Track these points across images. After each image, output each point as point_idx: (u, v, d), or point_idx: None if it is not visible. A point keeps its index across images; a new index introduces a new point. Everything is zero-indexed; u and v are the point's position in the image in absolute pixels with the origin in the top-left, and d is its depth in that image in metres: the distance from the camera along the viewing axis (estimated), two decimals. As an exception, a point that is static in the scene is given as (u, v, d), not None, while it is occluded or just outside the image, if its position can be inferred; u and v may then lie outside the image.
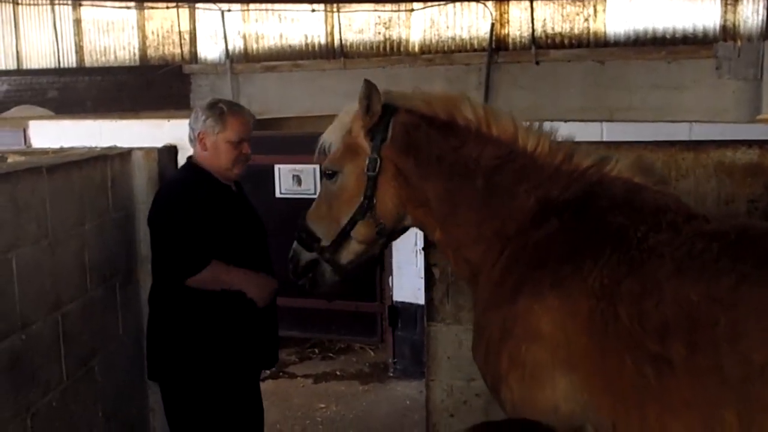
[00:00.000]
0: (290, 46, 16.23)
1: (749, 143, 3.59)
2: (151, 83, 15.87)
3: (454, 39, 14.83)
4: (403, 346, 6.70)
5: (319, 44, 16.01)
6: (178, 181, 3.84)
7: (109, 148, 4.44)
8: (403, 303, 6.60)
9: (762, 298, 2.08)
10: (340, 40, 15.66)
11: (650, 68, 10.51)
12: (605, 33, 12.21)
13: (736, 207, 3.50)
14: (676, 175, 3.56)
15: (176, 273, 3.61)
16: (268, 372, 6.64)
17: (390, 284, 6.72)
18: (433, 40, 15.07)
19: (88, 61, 16.51)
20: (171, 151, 4.44)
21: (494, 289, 2.72)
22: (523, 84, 11.90)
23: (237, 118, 3.68)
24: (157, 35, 17.09)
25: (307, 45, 16.13)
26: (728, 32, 11.17)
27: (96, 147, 4.54)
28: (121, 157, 4.27)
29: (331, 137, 3.05)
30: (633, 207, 2.53)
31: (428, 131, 2.87)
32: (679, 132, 5.26)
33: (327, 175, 3.03)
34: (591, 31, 12.34)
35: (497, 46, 13.80)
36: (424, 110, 2.89)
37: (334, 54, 15.70)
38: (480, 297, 2.84)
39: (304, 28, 16.14)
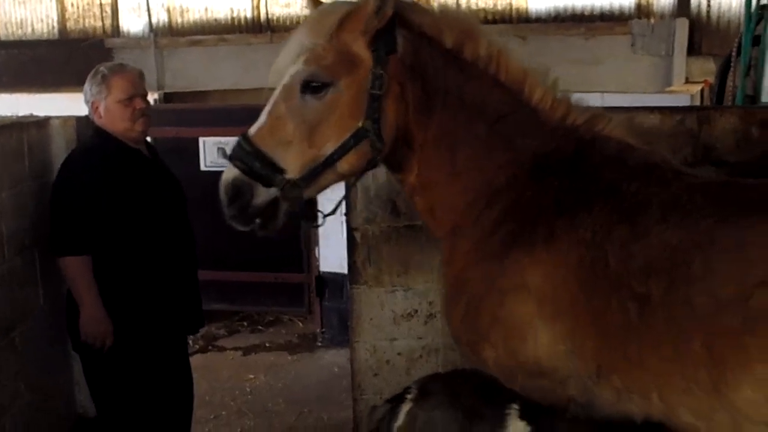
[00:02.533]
0: (216, 20, 15.92)
1: (651, 109, 3.80)
2: (72, 58, 15.35)
3: (381, 14, 14.79)
4: (331, 316, 6.80)
5: (246, 18, 15.75)
6: (83, 150, 3.82)
7: (26, 116, 4.36)
8: (329, 273, 6.68)
9: (734, 239, 2.18)
10: (267, 14, 15.46)
11: (569, 44, 10.80)
12: (527, 9, 12.43)
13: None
14: (585, 139, 3.73)
15: (51, 245, 3.64)
16: (197, 347, 6.68)
17: (317, 255, 6.78)
18: (361, 16, 15.00)
19: (4, 34, 15.85)
20: (89, 119, 4.39)
21: (479, 244, 2.58)
22: (448, 59, 12.08)
23: (120, 77, 3.66)
24: (77, 7, 16.51)
25: (233, 19, 15.85)
26: (643, 10, 11.55)
27: (12, 116, 4.45)
28: (38, 125, 4.21)
29: (306, 41, 2.49)
30: (625, 164, 2.53)
31: (434, 55, 2.53)
32: (592, 101, 5.45)
33: (311, 87, 2.45)
34: (513, 8, 12.54)
35: (423, 21, 13.86)
36: (428, 29, 2.53)
37: (260, 28, 15.46)
38: (458, 252, 2.66)
39: (230, 1, 15.84)
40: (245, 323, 7.43)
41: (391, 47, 2.46)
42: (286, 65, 2.49)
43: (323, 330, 6.85)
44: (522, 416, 2.16)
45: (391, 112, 2.49)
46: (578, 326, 2.35)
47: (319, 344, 6.81)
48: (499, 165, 2.58)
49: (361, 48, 2.45)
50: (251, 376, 6.16)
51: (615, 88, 8.29)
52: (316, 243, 6.77)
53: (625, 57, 10.25)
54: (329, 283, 6.71)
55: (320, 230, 6.68)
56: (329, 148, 2.47)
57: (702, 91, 7.64)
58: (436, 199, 2.68)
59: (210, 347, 6.83)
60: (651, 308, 2.23)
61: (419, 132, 2.57)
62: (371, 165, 2.59)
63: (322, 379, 6.04)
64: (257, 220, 2.53)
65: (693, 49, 10.31)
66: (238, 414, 5.46)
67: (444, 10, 2.64)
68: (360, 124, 2.45)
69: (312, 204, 2.63)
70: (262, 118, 2.52)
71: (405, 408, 2.29)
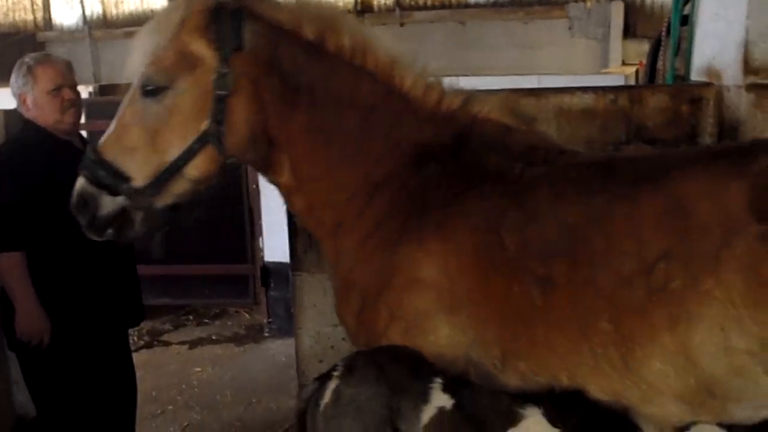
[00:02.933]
0: (152, 11, 15.61)
1: (584, 89, 3.84)
2: (2, 53, 14.90)
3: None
4: (277, 306, 6.78)
5: (182, 9, 15.49)
6: (12, 143, 3.74)
7: (-49, 110, 4.22)
8: (274, 263, 6.66)
9: (631, 213, 2.20)
10: (204, 4, 15.19)
11: (508, 28, 10.92)
12: (466, -5, 12.57)
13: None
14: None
15: None
16: (141, 342, 6.59)
17: (261, 245, 6.74)
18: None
19: (-71, 29, 15.31)
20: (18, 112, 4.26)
21: (365, 241, 2.52)
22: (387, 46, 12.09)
23: (46, 67, 3.57)
24: (7, 0, 16.03)
25: (169, 10, 15.58)
26: (579, -7, 11.79)
27: (-65, 111, 4.30)
28: (-36, 119, 4.07)
29: (150, 41, 2.40)
30: (506, 147, 2.51)
31: (294, 49, 2.46)
32: (529, 83, 5.54)
33: (147, 91, 2.38)
34: (452, -7, 12.67)
35: (362, 8, 13.85)
36: (287, 23, 2.45)
37: (197, 19, 15.20)
38: (345, 251, 2.60)
39: (165, -8, 15.59)
40: (191, 317, 7.36)
41: (237, 44, 2.37)
42: (137, 67, 2.41)
43: (270, 320, 6.83)
44: (445, 389, 2.18)
45: (242, 112, 2.41)
46: (479, 315, 2.32)
47: (267, 334, 6.80)
48: (376, 157, 2.51)
49: (201, 47, 2.37)
50: (198, 370, 6.11)
51: (554, 71, 8.42)
52: (260, 233, 6.72)
53: (563, 40, 10.42)
54: (274, 273, 6.68)
55: (264, 220, 6.66)
56: (173, 154, 2.39)
57: (637, 72, 7.80)
58: (315, 198, 2.59)
59: (155, 342, 6.75)
60: (554, 289, 2.22)
61: (283, 129, 2.48)
62: (229, 168, 2.51)
63: (270, 369, 6.03)
64: (109, 230, 2.48)
65: (628, 32, 10.53)
66: (185, 408, 5.42)
67: (303, 2, 2.53)
68: (205, 127, 2.37)
69: (177, 209, 2.52)
70: (111, 125, 2.47)
71: (331, 385, 2.28)
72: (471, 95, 2.62)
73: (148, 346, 6.65)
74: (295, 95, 2.46)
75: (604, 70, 8.71)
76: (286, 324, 6.58)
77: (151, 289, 6.74)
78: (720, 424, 2.11)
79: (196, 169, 2.43)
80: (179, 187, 2.44)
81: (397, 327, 2.38)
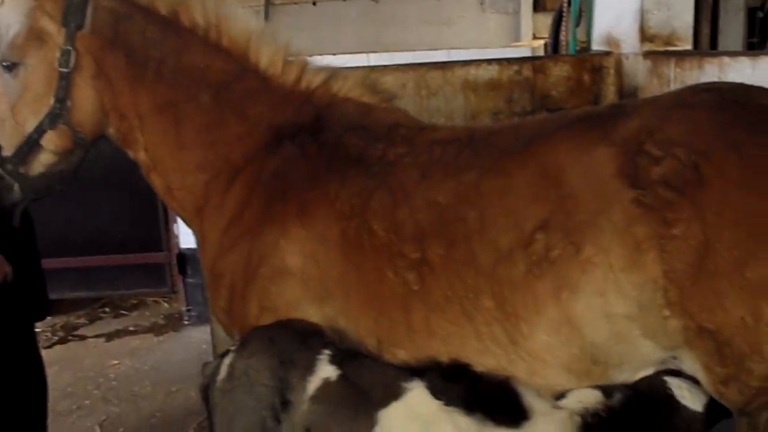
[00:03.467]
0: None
1: (489, 61, 3.88)
2: None
3: (231, -18, 14.38)
4: (195, 293, 6.64)
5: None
6: None
7: None
8: (190, 249, 6.50)
9: (502, 187, 2.18)
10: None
11: (420, 5, 10.89)
12: (378, -28, 12.48)
13: (482, 121, 3.80)
14: (427, 93, 3.78)
15: None
16: (56, 338, 6.39)
17: (176, 232, 6.59)
18: (210, -16, 14.51)
19: None
20: None
21: (228, 229, 2.48)
22: (301, 25, 11.84)
23: None
24: None
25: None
26: (490, -31, 11.86)
27: None
28: None
29: (7, 18, 2.46)
30: (366, 127, 2.48)
31: (144, 25, 2.47)
32: (439, 59, 5.55)
33: (5, 67, 2.47)
34: (365, -29, 12.56)
35: (273, -13, 13.63)
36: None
37: None
38: (208, 239, 2.56)
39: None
40: (107, 309, 7.17)
41: (80, 22, 2.42)
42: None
43: (189, 308, 6.70)
44: (332, 361, 2.20)
45: (85, 89, 2.47)
46: (352, 304, 2.29)
47: (186, 322, 6.67)
48: (234, 138, 2.51)
49: (49, 24, 2.43)
50: (115, 362, 5.95)
51: (466, 46, 8.49)
52: (174, 220, 6.56)
53: (475, 16, 10.46)
54: (190, 259, 6.54)
55: (178, 206, 6.50)
56: (29, 127, 2.48)
57: (546, 45, 7.93)
58: (172, 178, 2.59)
59: (70, 337, 6.54)
60: (431, 272, 2.19)
61: (133, 106, 2.50)
62: (82, 145, 2.56)
63: (190, 358, 5.91)
64: None
65: (539, 6, 10.66)
66: (102, 401, 5.27)
67: None
68: (51, 103, 2.45)
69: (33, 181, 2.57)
70: None
71: (227, 360, 2.30)
72: (332, 73, 2.60)
73: (63, 341, 6.43)
74: (143, 72, 2.49)
75: (514, 44, 8.84)
76: (206, 311, 6.44)
77: (65, 282, 6.56)
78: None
79: (51, 142, 2.51)
80: (44, 159, 2.53)
81: (267, 318, 2.36)
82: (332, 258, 2.31)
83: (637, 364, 2.10)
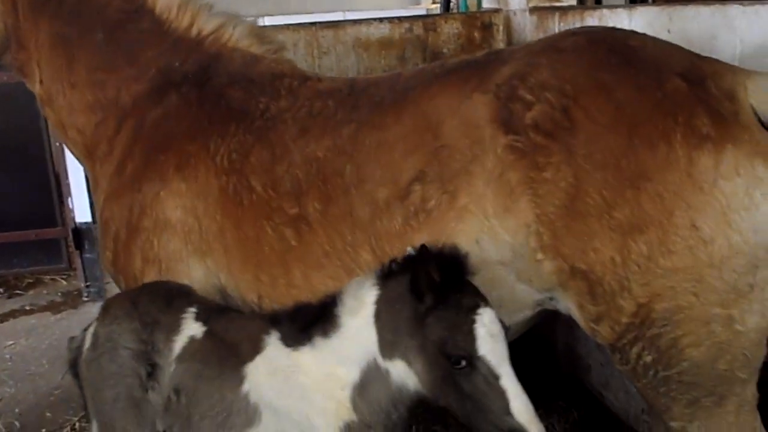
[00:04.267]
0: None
1: (380, 19, 3.86)
2: None
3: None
4: (93, 269, 6.41)
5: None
6: None
7: None
8: (86, 224, 6.27)
9: (378, 140, 2.18)
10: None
11: (319, -30, 10.78)
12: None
13: (375, 79, 3.78)
14: (318, 53, 3.74)
15: None
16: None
17: (70, 206, 6.34)
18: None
19: None
20: None
21: (114, 177, 2.47)
22: (202, -9, 11.63)
23: None
24: None
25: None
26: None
27: None
28: None
29: None
30: (251, 80, 2.48)
31: None
32: (332, 18, 5.48)
33: None
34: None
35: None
36: None
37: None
38: (99, 185, 2.56)
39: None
40: (1, 289, 6.85)
41: None
42: None
43: (88, 284, 6.47)
44: (197, 318, 2.17)
45: None
46: (232, 259, 2.29)
47: (85, 299, 6.45)
48: (122, 81, 2.50)
49: None
50: (10, 343, 5.72)
51: (369, 7, 8.42)
52: (69, 194, 6.30)
53: (376, -20, 10.40)
54: (87, 234, 6.30)
55: (71, 179, 6.24)
56: None
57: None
58: (63, 115, 2.60)
59: (-39, 320, 6.23)
60: (310, 228, 2.20)
61: (32, 35, 2.53)
62: None
63: (90, 334, 5.73)
64: None
65: (439, -29, 10.66)
66: (-3, 382, 5.06)
67: None
68: None
69: None
70: None
71: (90, 330, 2.25)
72: (224, 21, 2.59)
73: (-47, 325, 6.13)
74: (46, 1, 2.49)
75: (413, 5, 8.86)
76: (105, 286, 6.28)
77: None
78: None
79: None
80: None
81: (151, 271, 2.36)
82: (212, 213, 2.30)
83: (514, 307, 2.14)
